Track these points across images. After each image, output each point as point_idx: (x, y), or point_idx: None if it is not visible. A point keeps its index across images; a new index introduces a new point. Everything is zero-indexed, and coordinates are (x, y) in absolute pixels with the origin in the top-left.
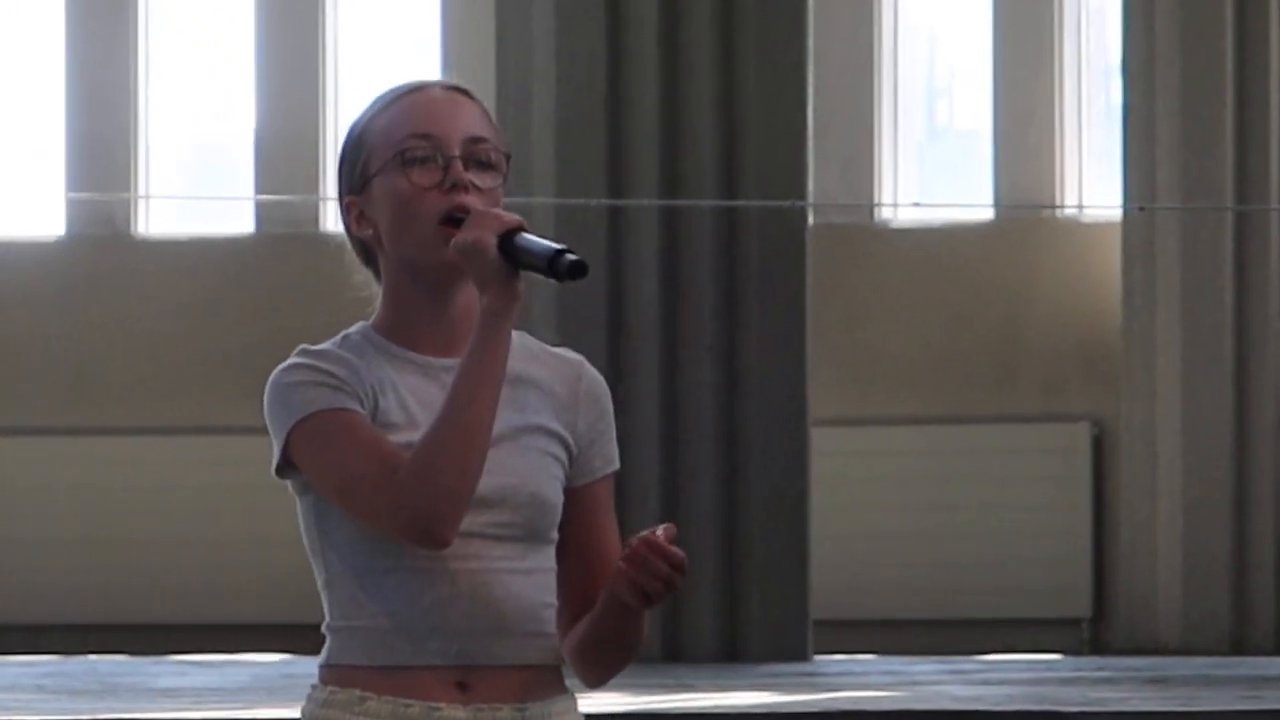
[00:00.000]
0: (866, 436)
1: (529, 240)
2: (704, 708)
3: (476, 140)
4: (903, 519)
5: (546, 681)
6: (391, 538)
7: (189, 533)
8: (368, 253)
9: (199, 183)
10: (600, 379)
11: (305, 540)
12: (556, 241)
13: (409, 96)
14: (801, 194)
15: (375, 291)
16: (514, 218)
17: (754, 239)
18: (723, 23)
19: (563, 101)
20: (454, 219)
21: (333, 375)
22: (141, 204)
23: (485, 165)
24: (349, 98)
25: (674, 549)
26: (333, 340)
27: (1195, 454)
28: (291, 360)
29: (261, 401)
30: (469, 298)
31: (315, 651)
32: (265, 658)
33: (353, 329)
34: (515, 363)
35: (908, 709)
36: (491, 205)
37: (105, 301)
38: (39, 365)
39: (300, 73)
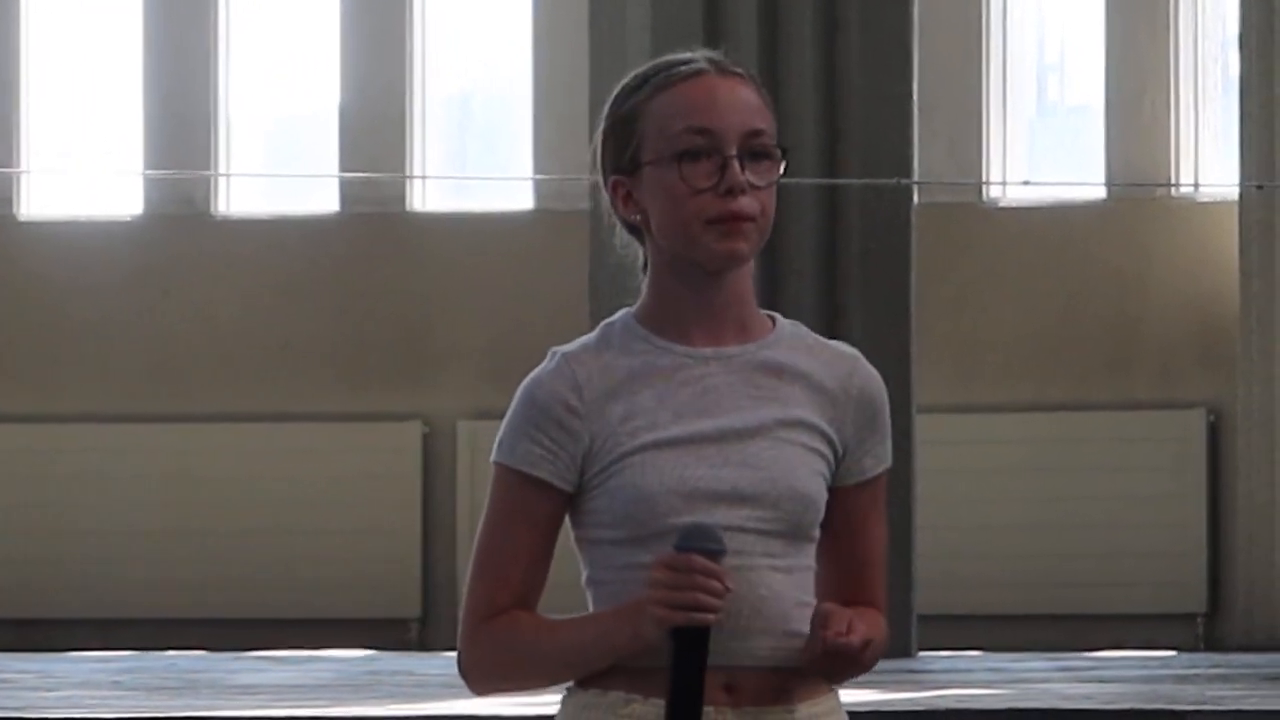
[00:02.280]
0: (973, 424)
1: (690, 662)
2: None
3: (754, 134)
4: (1010, 510)
5: (811, 682)
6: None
7: (269, 524)
8: (633, 229)
9: (281, 160)
10: (875, 375)
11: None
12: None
13: (686, 83)
14: (906, 172)
15: (635, 256)
16: (706, 616)
17: (857, 218)
18: None
19: None
20: (728, 221)
21: (557, 424)
22: (222, 182)
23: (762, 157)
24: (436, 71)
25: (844, 642)
26: (594, 333)
27: None
28: (539, 371)
29: (347, 386)
30: (739, 284)
31: (400, 647)
32: (349, 653)
33: (616, 317)
34: (784, 354)
35: (1014, 707)
36: (767, 200)
37: (184, 283)
38: (115, 349)
39: (386, 46)
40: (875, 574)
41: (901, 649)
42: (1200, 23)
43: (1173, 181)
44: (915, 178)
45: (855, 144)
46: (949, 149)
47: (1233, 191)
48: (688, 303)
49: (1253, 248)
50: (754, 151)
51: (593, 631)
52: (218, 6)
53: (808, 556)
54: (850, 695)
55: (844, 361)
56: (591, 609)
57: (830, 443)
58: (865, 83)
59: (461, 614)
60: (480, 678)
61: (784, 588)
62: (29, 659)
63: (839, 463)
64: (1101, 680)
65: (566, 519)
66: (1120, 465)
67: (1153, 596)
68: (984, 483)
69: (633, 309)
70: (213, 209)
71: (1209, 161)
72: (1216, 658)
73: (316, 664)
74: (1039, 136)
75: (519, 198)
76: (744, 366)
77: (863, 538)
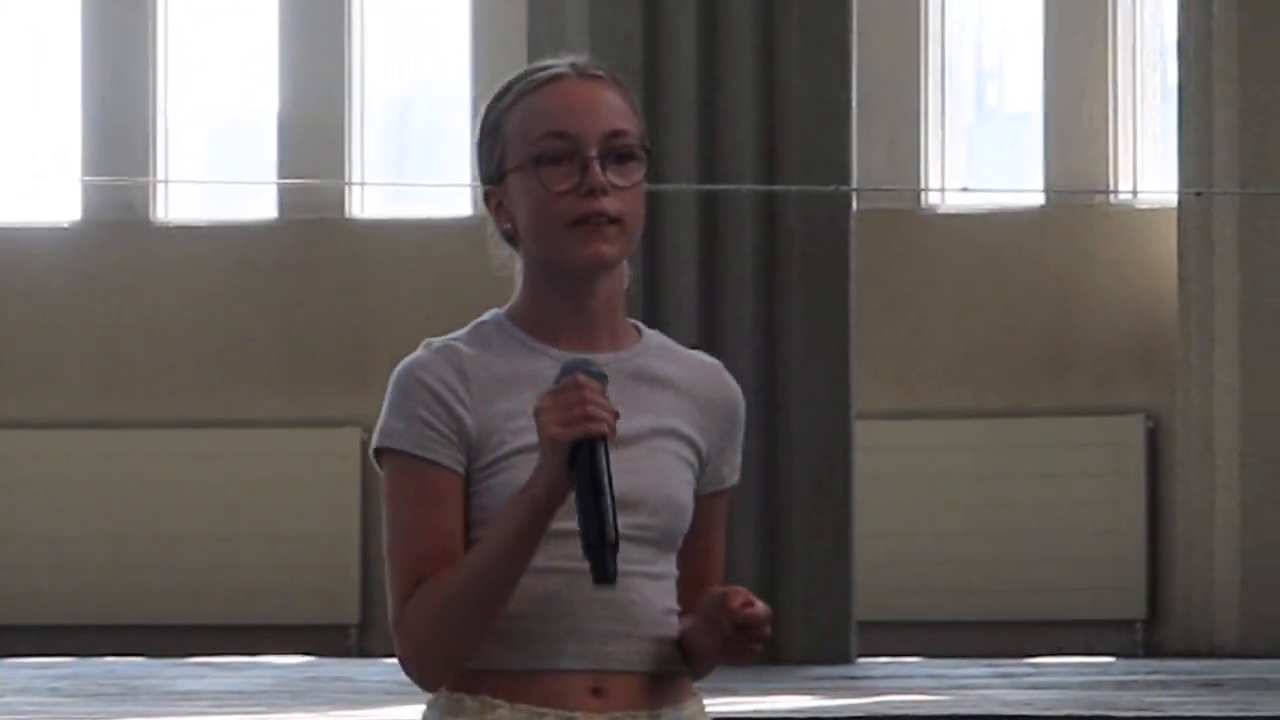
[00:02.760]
0: (912, 430)
1: (595, 469)
2: (744, 711)
3: (615, 134)
4: (949, 516)
5: (677, 687)
6: None
7: (208, 530)
8: (509, 238)
9: (220, 167)
10: (736, 386)
11: None
12: (613, 500)
13: (546, 88)
14: (845, 178)
15: (513, 270)
16: (599, 426)
17: (796, 225)
18: (764, 0)
19: None
20: (592, 220)
21: (443, 404)
22: (160, 189)
23: (626, 158)
24: (374, 78)
25: (750, 612)
26: (465, 330)
27: (1254, 448)
28: (415, 362)
29: (287, 392)
30: (611, 291)
31: (339, 653)
32: (288, 660)
33: (486, 316)
34: (655, 362)
35: (954, 714)
36: (631, 201)
37: (123, 290)
38: (53, 356)
39: (324, 53)
40: (718, 583)
41: (840, 655)
42: (1139, 30)
43: (1111, 188)
44: (854, 184)
45: (794, 150)
46: (888, 155)
47: (1171, 198)
48: (560, 309)
49: (1191, 254)
50: (616, 153)
51: (506, 516)
52: (156, 13)
53: (673, 564)
54: (789, 701)
55: (709, 371)
56: None
57: (698, 452)
58: (804, 89)
59: (390, 613)
60: (423, 655)
61: (653, 594)
62: None
63: (702, 471)
64: (1040, 686)
65: None
66: (1059, 471)
67: (1092, 602)
68: (923, 489)
69: (504, 310)
70: (152, 215)
71: (1147, 168)
72: (1155, 664)
73: (255, 670)
74: (978, 143)
75: (457, 204)
76: (618, 375)
77: (710, 548)
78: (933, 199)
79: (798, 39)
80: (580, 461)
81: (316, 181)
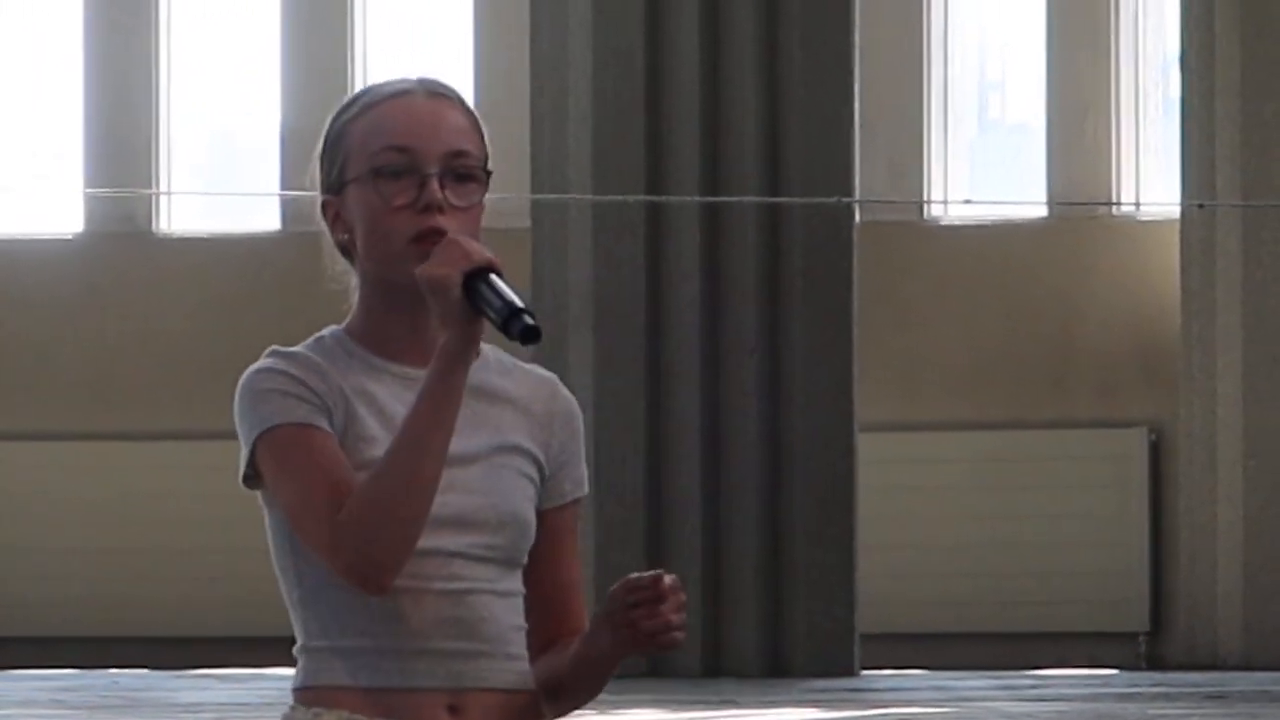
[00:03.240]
0: (915, 442)
1: (493, 286)
2: None
3: (457, 154)
4: (952, 528)
5: (528, 705)
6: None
7: (211, 541)
8: (345, 251)
9: (222, 178)
10: (573, 399)
11: (275, 555)
12: (517, 295)
13: (390, 102)
14: (848, 191)
15: (349, 283)
16: (483, 255)
17: (798, 237)
18: (766, 13)
19: (600, 95)
20: (428, 238)
21: (303, 384)
22: (163, 200)
23: (466, 179)
24: None
25: (662, 584)
26: (305, 343)
27: (1257, 460)
28: (263, 363)
29: None
30: None
31: None
32: (291, 671)
33: (325, 332)
34: (490, 378)
35: None
36: (469, 223)
37: (125, 301)
38: (55, 367)
39: (327, 64)
40: (578, 598)
41: (844, 668)
42: (1141, 43)
43: (1114, 200)
44: (856, 196)
45: (796, 162)
46: (890, 167)
47: (1174, 210)
48: (396, 324)
49: (1194, 267)
50: (456, 172)
51: (425, 378)
52: (158, 24)
53: (519, 582)
54: (793, 714)
55: (545, 385)
56: (303, 636)
57: (540, 467)
58: (806, 101)
59: (321, 540)
60: (371, 544)
61: (502, 612)
62: None
63: (544, 486)
64: (1044, 699)
65: (284, 534)
66: (1062, 484)
67: (1095, 615)
68: (926, 501)
69: (342, 326)
70: (154, 227)
71: (1150, 180)
72: (1158, 676)
73: (260, 682)
74: (980, 155)
75: None
76: None
77: (564, 562)
78: (935, 211)
79: (800, 51)
80: (475, 290)
81: (319, 194)
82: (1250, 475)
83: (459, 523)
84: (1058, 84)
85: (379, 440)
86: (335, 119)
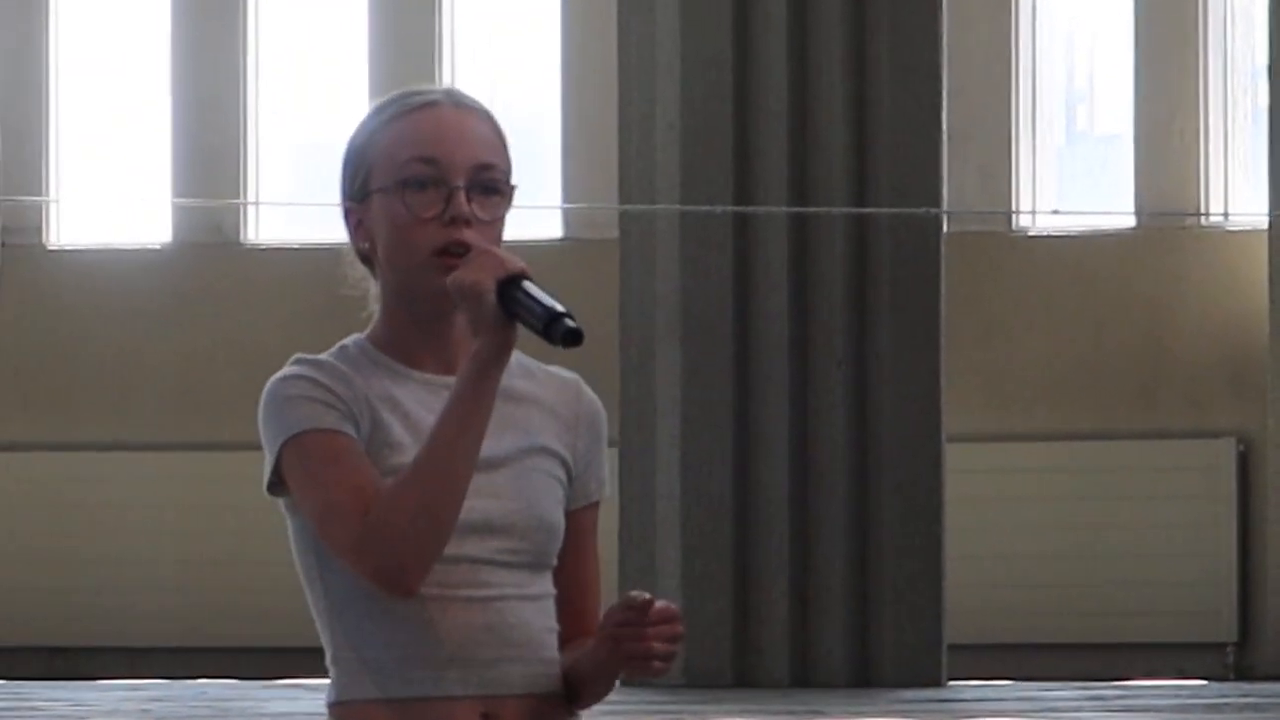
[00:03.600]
0: (1003, 453)
1: (529, 294)
2: None
3: (484, 167)
4: (1040, 539)
5: (559, 708)
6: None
7: None
8: (365, 259)
9: (310, 188)
10: (597, 400)
11: (300, 563)
12: (555, 300)
13: (418, 113)
14: (936, 201)
15: (368, 290)
16: (516, 264)
17: (886, 247)
18: (854, 23)
19: (688, 104)
20: (453, 251)
21: (329, 391)
22: (250, 210)
23: (491, 192)
24: None
25: (661, 607)
26: (330, 351)
27: None
28: (288, 370)
29: None
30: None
31: None
32: None
33: (349, 340)
34: (517, 381)
35: None
36: (494, 236)
37: (213, 311)
38: (144, 378)
39: (414, 74)
40: (594, 599)
41: (931, 678)
42: (1230, 52)
43: (1202, 210)
44: (945, 207)
45: (885, 173)
46: (978, 178)
47: (1262, 220)
48: (419, 332)
49: None
50: (483, 185)
51: (456, 383)
52: (246, 34)
53: (549, 584)
54: None
55: (570, 387)
56: (331, 648)
57: (567, 468)
58: (895, 112)
59: (345, 543)
60: (396, 549)
61: (533, 617)
62: (58, 687)
63: (571, 487)
64: (1132, 709)
65: (309, 542)
66: (1150, 494)
67: (1183, 626)
68: (1013, 512)
69: (365, 334)
70: (242, 237)
71: (1238, 190)
72: (1247, 687)
73: None
74: (1068, 165)
75: (549, 226)
76: None
77: (584, 562)
78: (1023, 221)
79: (889, 61)
80: (511, 297)
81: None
82: None
83: (487, 528)
84: (1146, 93)
85: (405, 447)
86: (360, 127)
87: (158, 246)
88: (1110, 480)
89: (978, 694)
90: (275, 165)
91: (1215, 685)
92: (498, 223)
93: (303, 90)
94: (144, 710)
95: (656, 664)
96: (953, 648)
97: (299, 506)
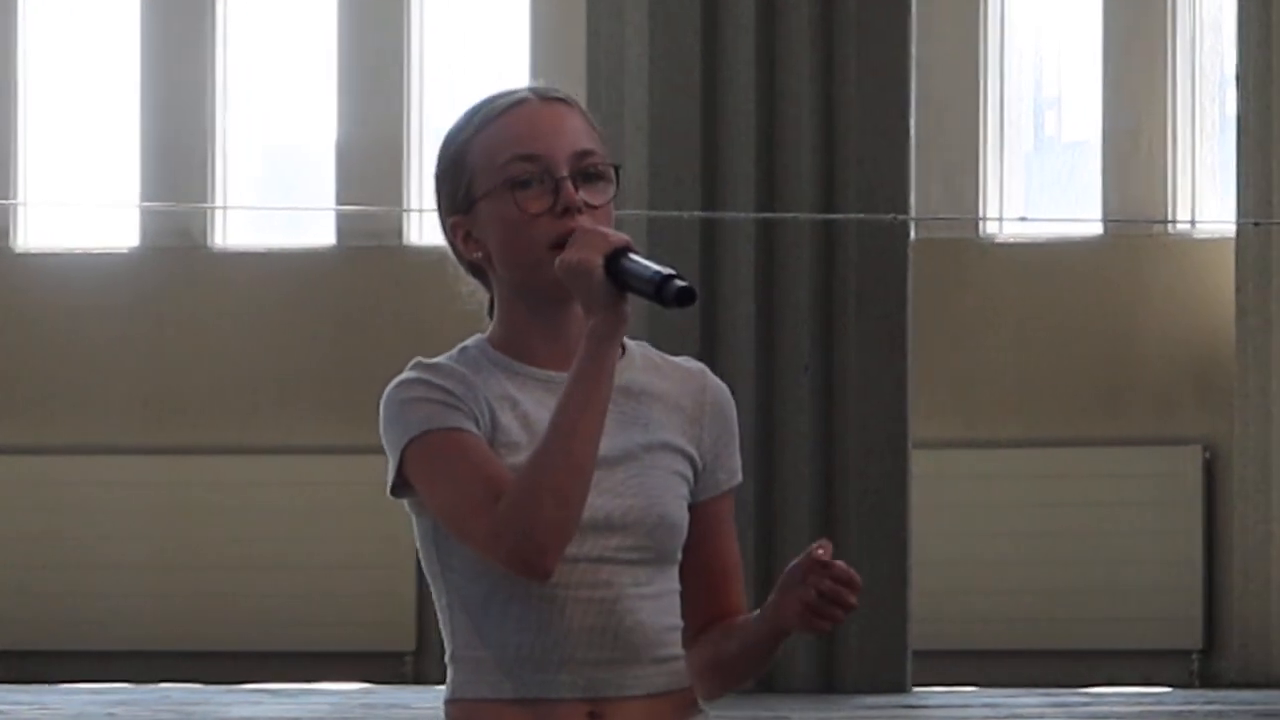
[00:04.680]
0: (969, 459)
1: (636, 262)
2: None
3: (584, 154)
4: (1006, 545)
5: (678, 706)
6: (497, 566)
7: (264, 556)
8: (476, 269)
9: (277, 193)
10: (724, 388)
11: (424, 562)
12: (663, 265)
13: (508, 114)
14: (903, 208)
15: (482, 300)
16: (620, 237)
17: (854, 253)
18: (822, 27)
19: (656, 109)
20: (566, 241)
21: (449, 392)
22: (218, 214)
23: (595, 177)
24: (434, 103)
25: (841, 566)
26: (449, 354)
27: None
28: (406, 374)
29: (343, 419)
30: None
31: (394, 680)
32: (343, 686)
33: (469, 342)
34: (638, 375)
35: None
36: (606, 220)
37: (180, 315)
38: (110, 380)
39: (383, 77)
40: (736, 583)
41: (896, 684)
42: (1198, 60)
43: (1169, 218)
44: (912, 213)
45: (852, 179)
46: (946, 184)
47: (1229, 228)
48: (539, 331)
49: (1249, 285)
50: (586, 172)
51: (576, 362)
52: (215, 39)
53: (673, 580)
54: None
55: (694, 377)
56: (450, 645)
57: (692, 462)
58: (863, 118)
59: (476, 529)
60: (529, 530)
61: (652, 616)
62: (24, 690)
63: (697, 480)
64: (1097, 716)
65: (431, 542)
66: (1116, 501)
67: (1148, 633)
68: (979, 518)
69: (485, 335)
70: (209, 241)
71: (1206, 198)
72: (1212, 694)
73: (311, 697)
74: (1036, 172)
75: None
76: None
77: (721, 550)
78: (990, 228)
79: (856, 67)
80: (619, 269)
81: (374, 209)
82: None
83: (606, 526)
84: (1113, 101)
85: (522, 446)
86: (451, 139)
87: (125, 250)
88: (1076, 487)
89: (943, 700)
90: (243, 170)
91: (1180, 692)
92: (608, 206)
93: (270, 95)
94: (108, 714)
95: (821, 622)
96: (918, 654)
97: (427, 504)
